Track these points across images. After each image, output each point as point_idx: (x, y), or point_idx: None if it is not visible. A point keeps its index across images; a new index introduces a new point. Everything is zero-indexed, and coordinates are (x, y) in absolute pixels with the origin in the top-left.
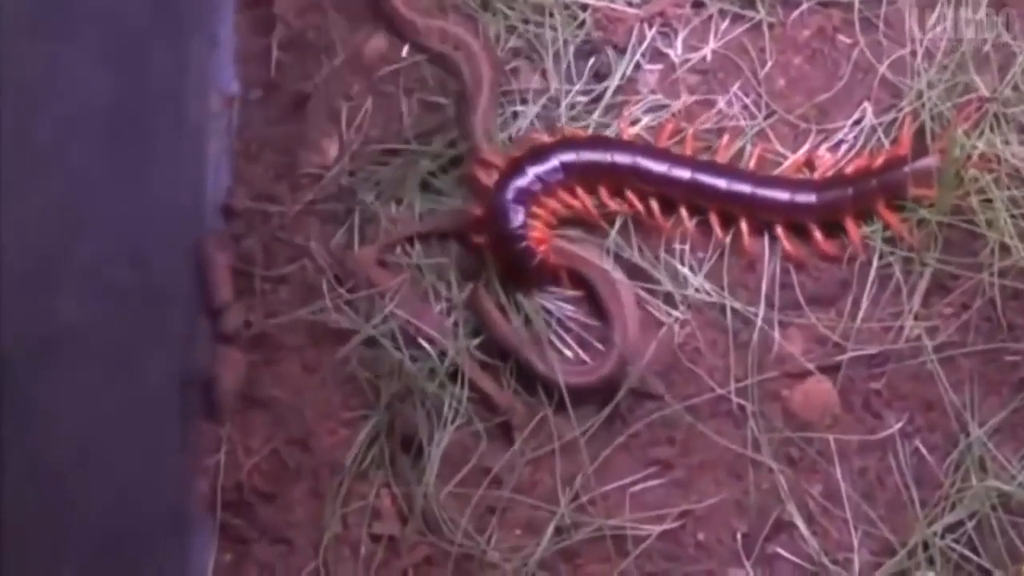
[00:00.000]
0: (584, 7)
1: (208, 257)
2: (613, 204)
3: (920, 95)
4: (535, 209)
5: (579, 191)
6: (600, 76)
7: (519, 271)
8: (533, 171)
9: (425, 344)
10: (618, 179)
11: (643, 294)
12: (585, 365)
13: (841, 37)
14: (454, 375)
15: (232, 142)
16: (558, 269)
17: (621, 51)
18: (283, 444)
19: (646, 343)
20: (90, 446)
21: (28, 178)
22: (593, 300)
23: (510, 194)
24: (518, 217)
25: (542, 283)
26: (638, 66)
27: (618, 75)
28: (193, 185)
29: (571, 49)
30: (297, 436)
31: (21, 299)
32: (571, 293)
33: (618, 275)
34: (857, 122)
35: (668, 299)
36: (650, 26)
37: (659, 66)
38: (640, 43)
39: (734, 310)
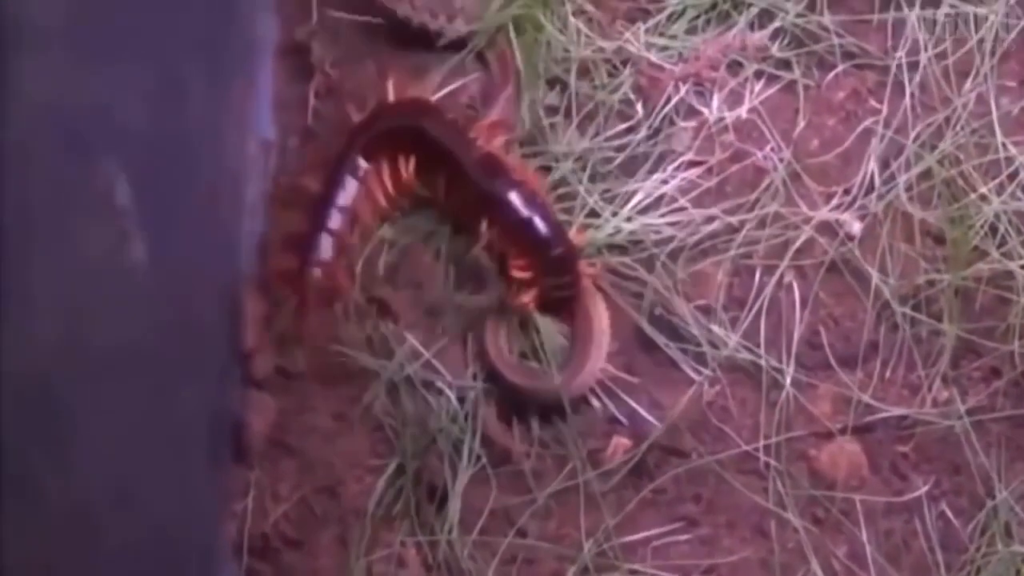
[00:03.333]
0: (624, 63)
1: (241, 302)
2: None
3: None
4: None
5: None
6: (636, 134)
7: (558, 297)
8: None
9: (444, 388)
10: None
11: (674, 352)
12: (535, 372)
13: (873, 102)
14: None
15: (269, 187)
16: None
17: (657, 109)
18: (311, 491)
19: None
20: (123, 482)
21: (66, 214)
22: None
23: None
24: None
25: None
26: (673, 124)
27: (643, 130)
28: (229, 227)
29: (609, 106)
30: (325, 483)
31: (59, 328)
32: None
33: (604, 320)
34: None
35: (698, 357)
36: (683, 83)
37: (693, 123)
38: (676, 102)
39: (762, 369)
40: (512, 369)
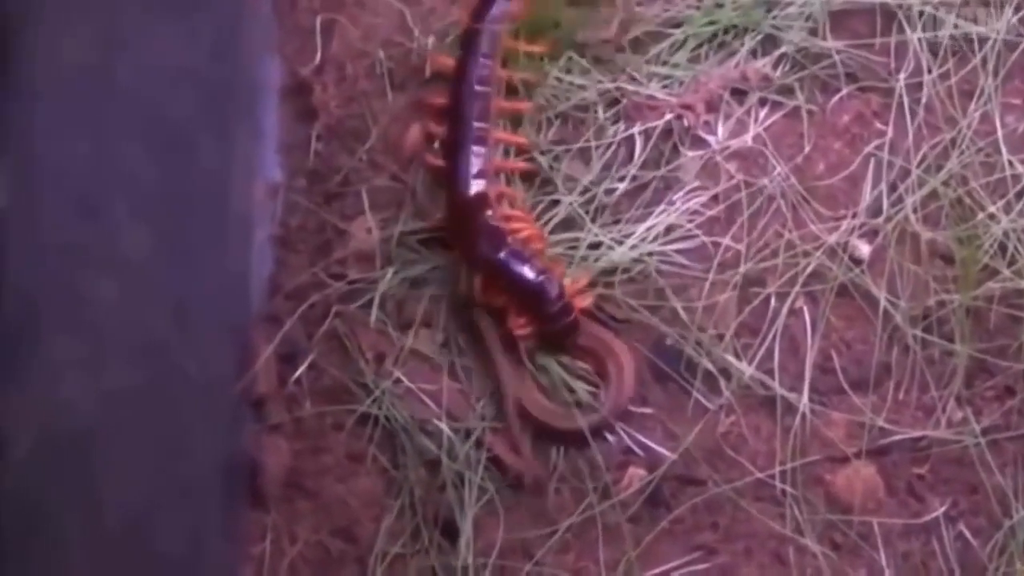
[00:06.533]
0: (627, 94)
1: (253, 346)
2: None
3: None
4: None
5: None
6: (642, 164)
7: (559, 340)
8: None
9: (442, 425)
10: None
11: (687, 382)
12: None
13: (878, 124)
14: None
15: (276, 230)
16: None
17: (662, 139)
18: (327, 533)
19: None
20: (138, 524)
21: (80, 264)
22: (597, 366)
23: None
24: (555, 289)
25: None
26: (678, 153)
27: (649, 161)
28: (239, 272)
29: (612, 134)
30: (341, 524)
31: (76, 374)
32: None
33: (625, 356)
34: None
35: (711, 385)
36: (686, 113)
37: (699, 152)
38: (680, 131)
39: (776, 395)
40: (556, 416)
